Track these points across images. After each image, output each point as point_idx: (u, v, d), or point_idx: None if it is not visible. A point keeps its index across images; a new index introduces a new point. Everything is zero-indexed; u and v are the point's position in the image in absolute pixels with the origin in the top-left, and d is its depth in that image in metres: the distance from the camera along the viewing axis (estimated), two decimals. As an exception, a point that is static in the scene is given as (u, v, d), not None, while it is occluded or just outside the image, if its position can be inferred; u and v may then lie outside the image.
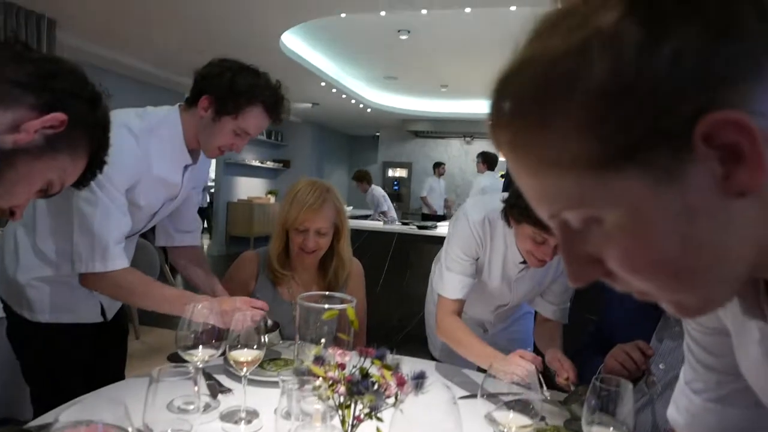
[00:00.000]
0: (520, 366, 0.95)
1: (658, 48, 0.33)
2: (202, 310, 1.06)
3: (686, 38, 0.33)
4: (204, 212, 8.21)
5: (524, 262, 1.40)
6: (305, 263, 1.60)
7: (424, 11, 4.35)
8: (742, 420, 0.62)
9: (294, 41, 5.50)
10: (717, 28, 0.33)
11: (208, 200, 8.30)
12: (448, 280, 1.43)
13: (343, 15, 4.45)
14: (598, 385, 0.84)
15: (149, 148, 1.27)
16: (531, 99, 0.38)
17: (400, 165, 10.61)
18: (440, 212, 8.00)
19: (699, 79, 0.33)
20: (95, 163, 0.92)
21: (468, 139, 10.09)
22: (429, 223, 4.56)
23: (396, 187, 10.09)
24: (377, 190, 6.67)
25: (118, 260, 1.23)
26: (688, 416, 0.68)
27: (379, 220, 5.59)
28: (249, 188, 9.27)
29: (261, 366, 1.29)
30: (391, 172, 10.58)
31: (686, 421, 0.68)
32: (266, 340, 1.09)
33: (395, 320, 4.19)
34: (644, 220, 0.36)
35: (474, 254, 1.44)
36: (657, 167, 0.34)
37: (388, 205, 6.62)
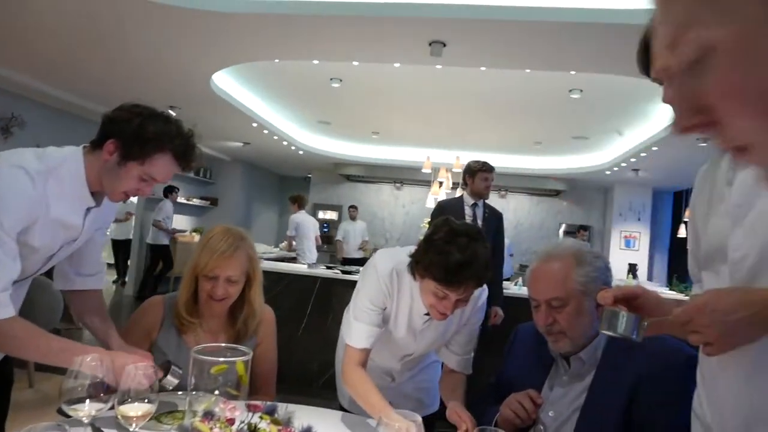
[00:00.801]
0: (405, 420, 0.99)
1: None
2: (90, 363, 1.02)
3: None
4: (163, 251, 7.68)
5: (429, 313, 1.46)
6: (214, 311, 1.57)
7: (355, 63, 4.52)
8: None
9: (226, 80, 5.50)
10: None
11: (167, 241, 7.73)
12: (355, 329, 1.46)
13: (276, 60, 4.53)
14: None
15: (47, 190, 1.23)
16: None
17: (331, 208, 10.67)
18: (355, 255, 8.03)
19: None
20: None
21: (398, 185, 10.35)
22: (354, 268, 4.58)
23: (326, 230, 10.09)
24: (298, 216, 6.60)
25: (3, 309, 1.16)
26: None
27: (303, 263, 5.55)
28: (173, 225, 8.90)
29: (158, 419, 1.24)
30: (321, 215, 10.58)
31: None
32: (161, 384, 1.06)
33: (316, 365, 4.12)
34: (756, 40, 0.35)
35: (382, 304, 1.48)
36: None
37: (301, 234, 6.51)
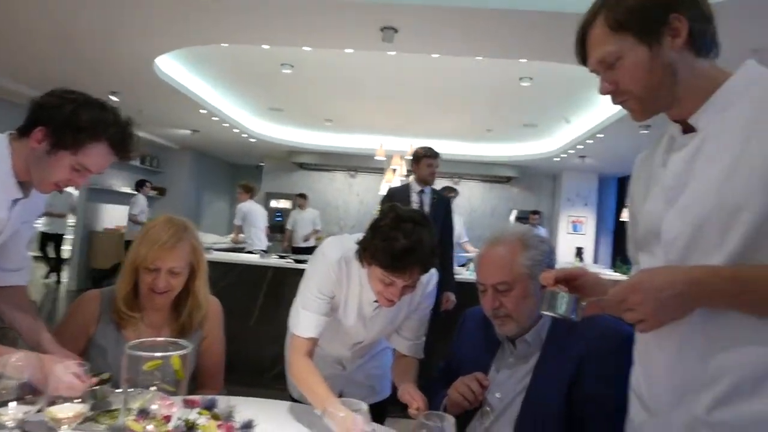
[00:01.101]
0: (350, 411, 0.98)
1: None
2: (16, 364, 0.95)
3: None
4: None
5: (378, 300, 1.45)
6: (155, 304, 1.51)
7: (306, 48, 4.43)
8: None
9: (171, 65, 5.28)
10: None
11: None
12: (302, 318, 1.44)
13: (224, 45, 4.38)
14: (423, 421, 0.89)
15: None
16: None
17: (284, 196, 10.49)
18: (304, 244, 7.93)
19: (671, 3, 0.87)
20: None
21: (352, 173, 10.30)
22: (306, 257, 4.53)
23: (279, 218, 9.92)
24: (246, 205, 6.36)
25: None
26: None
27: (254, 251, 5.44)
28: (116, 217, 8.53)
29: (96, 420, 1.18)
30: (274, 203, 10.40)
31: None
32: (97, 394, 1.01)
33: (268, 356, 4.06)
34: (631, 51, 0.89)
35: (330, 293, 1.46)
36: (650, 37, 0.88)
37: (249, 223, 6.32)
